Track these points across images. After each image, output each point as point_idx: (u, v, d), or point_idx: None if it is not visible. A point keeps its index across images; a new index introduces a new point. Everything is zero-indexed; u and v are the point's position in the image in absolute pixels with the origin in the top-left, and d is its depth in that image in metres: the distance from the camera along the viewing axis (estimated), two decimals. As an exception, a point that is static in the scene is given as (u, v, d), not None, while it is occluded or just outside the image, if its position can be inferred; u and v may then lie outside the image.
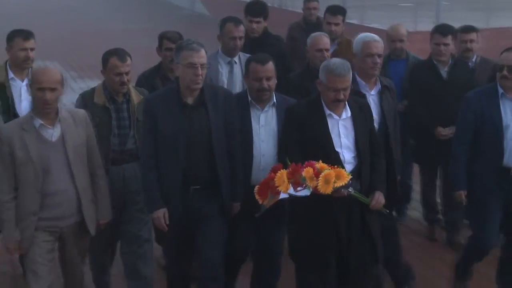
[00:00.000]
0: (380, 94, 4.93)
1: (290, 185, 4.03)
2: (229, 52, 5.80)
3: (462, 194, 4.93)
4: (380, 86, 4.95)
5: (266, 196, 4.19)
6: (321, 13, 7.66)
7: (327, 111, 4.33)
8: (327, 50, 5.68)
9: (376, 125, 4.82)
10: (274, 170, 4.21)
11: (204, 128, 4.38)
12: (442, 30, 5.95)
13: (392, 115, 4.98)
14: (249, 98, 4.70)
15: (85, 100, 4.78)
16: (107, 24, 21.94)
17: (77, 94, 10.91)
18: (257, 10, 6.41)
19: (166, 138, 4.37)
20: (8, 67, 5.41)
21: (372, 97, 4.87)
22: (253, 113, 4.67)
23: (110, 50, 4.70)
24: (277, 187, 4.08)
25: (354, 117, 4.39)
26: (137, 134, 4.75)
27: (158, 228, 4.55)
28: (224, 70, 5.77)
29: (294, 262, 4.62)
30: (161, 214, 4.42)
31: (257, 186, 4.31)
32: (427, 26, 15.72)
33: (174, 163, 4.37)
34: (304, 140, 4.33)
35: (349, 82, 4.28)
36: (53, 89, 4.14)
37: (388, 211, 4.60)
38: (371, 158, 4.46)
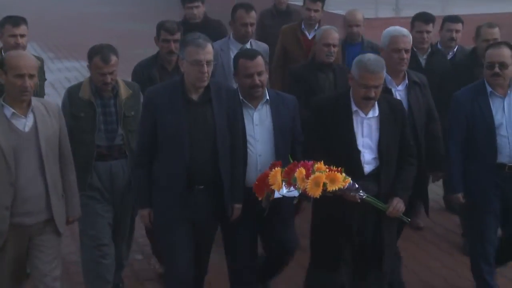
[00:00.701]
0: (408, 89, 4.63)
1: (283, 184, 3.79)
2: (241, 38, 5.64)
3: (460, 197, 4.70)
4: (407, 81, 4.65)
5: (262, 193, 3.97)
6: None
7: (354, 108, 4.05)
8: (334, 45, 5.31)
9: None
10: (272, 167, 3.97)
11: (209, 125, 4.08)
12: (424, 18, 5.80)
13: (422, 110, 4.67)
14: (241, 97, 4.33)
15: (71, 94, 4.51)
16: (94, 8, 21.88)
17: (54, 75, 10.81)
18: None
19: (169, 134, 4.05)
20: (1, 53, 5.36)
21: (398, 92, 4.61)
22: (246, 112, 4.32)
23: (96, 47, 4.43)
24: (271, 185, 3.85)
25: (381, 117, 4.07)
26: (125, 130, 4.47)
27: (150, 234, 4.35)
28: None
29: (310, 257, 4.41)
30: (147, 213, 4.17)
31: (255, 182, 4.06)
32: (387, 13, 15.72)
33: (177, 161, 4.04)
34: (328, 136, 4.08)
35: (381, 80, 3.97)
36: (32, 75, 3.81)
37: (409, 219, 4.33)
38: (398, 163, 4.14)
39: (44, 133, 3.89)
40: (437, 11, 15.48)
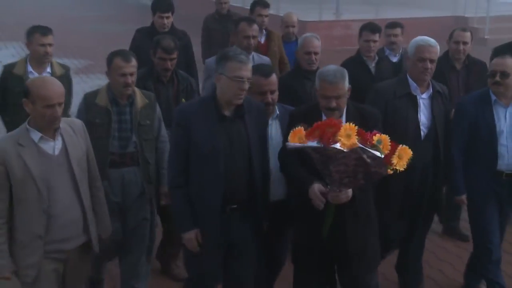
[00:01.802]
0: (431, 98, 4.40)
1: (357, 141, 3.22)
2: (243, 50, 5.36)
3: (464, 198, 4.55)
4: (432, 90, 4.41)
5: (308, 135, 3.32)
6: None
7: (324, 118, 3.63)
8: (316, 53, 5.08)
9: (425, 129, 4.37)
10: (333, 123, 3.34)
11: (243, 142, 3.78)
12: (371, 28, 5.66)
13: (442, 120, 4.43)
14: None
15: (87, 100, 4.25)
16: (67, 12, 22.12)
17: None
18: (166, 6, 6.08)
19: (204, 152, 3.68)
20: (28, 61, 5.08)
21: (423, 100, 4.39)
22: None
23: (115, 50, 4.21)
24: (335, 137, 3.21)
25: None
26: (139, 138, 4.21)
27: (188, 249, 3.85)
28: None
29: (294, 265, 4.05)
30: (193, 236, 3.74)
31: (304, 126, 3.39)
32: (329, 16, 16.20)
33: (212, 180, 3.68)
34: None
35: (342, 90, 3.62)
36: (61, 103, 3.41)
37: None
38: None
39: (75, 154, 3.52)
40: (371, 16, 15.59)
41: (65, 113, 4.48)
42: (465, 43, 5.41)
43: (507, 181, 4.44)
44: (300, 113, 3.86)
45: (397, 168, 3.29)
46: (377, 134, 3.28)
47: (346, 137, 3.18)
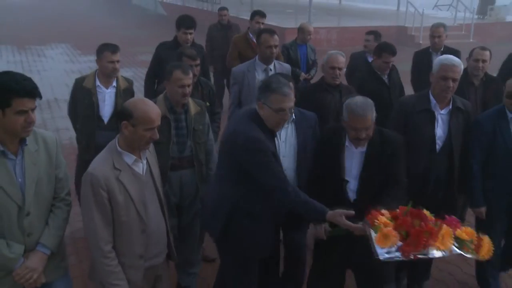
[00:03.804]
0: (450, 114, 4.06)
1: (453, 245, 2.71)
2: (265, 60, 5.13)
3: (483, 210, 4.17)
4: (451, 106, 4.05)
5: (415, 248, 2.72)
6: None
7: (347, 142, 3.46)
8: (340, 68, 4.81)
9: (441, 143, 4.03)
10: (375, 215, 2.93)
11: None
12: (391, 50, 5.50)
13: (459, 134, 4.11)
14: None
15: None
16: (100, 20, 24.30)
17: (80, 65, 12.28)
18: (190, 23, 5.96)
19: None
20: (96, 76, 4.82)
21: (441, 116, 4.08)
22: None
23: (173, 64, 3.99)
24: (430, 243, 2.72)
25: (368, 151, 3.44)
26: (194, 142, 4.03)
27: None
28: (260, 76, 5.10)
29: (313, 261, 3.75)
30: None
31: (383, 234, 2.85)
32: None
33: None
34: (323, 164, 3.53)
35: (370, 121, 3.29)
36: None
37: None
38: (384, 189, 3.42)
39: (156, 173, 3.25)
40: (334, 23, 16.98)
41: None
42: (484, 61, 5.09)
43: None
44: (329, 134, 3.66)
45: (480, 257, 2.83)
46: (463, 228, 2.82)
47: (442, 244, 2.76)
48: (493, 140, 4.09)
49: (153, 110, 3.02)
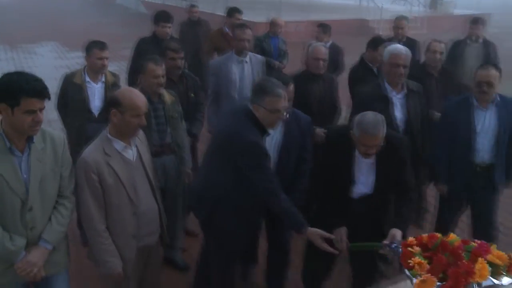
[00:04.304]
0: (406, 97, 4.14)
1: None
2: (239, 52, 5.20)
3: (444, 188, 4.36)
4: (406, 90, 4.13)
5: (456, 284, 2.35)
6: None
7: (356, 152, 3.28)
8: (324, 60, 4.81)
9: (402, 124, 4.08)
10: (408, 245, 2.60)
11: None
12: (374, 43, 5.39)
13: (419, 116, 4.17)
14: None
15: None
16: (87, 19, 24.36)
17: (68, 61, 12.67)
18: (167, 17, 5.97)
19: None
20: (85, 72, 4.74)
21: (398, 100, 4.16)
22: None
23: (147, 56, 4.07)
24: (469, 282, 2.43)
25: (377, 158, 3.34)
26: (172, 129, 4.09)
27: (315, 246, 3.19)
28: (236, 68, 5.19)
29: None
30: (316, 233, 3.26)
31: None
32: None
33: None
34: (330, 166, 3.52)
35: (380, 139, 3.19)
36: (145, 112, 3.11)
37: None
38: (397, 198, 3.48)
39: (146, 159, 3.27)
40: (303, 17, 17.50)
41: None
42: (441, 53, 5.17)
43: (479, 173, 4.19)
44: (334, 133, 3.66)
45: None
46: (494, 252, 2.55)
47: (480, 277, 2.47)
48: (457, 124, 4.17)
49: (139, 98, 3.08)
